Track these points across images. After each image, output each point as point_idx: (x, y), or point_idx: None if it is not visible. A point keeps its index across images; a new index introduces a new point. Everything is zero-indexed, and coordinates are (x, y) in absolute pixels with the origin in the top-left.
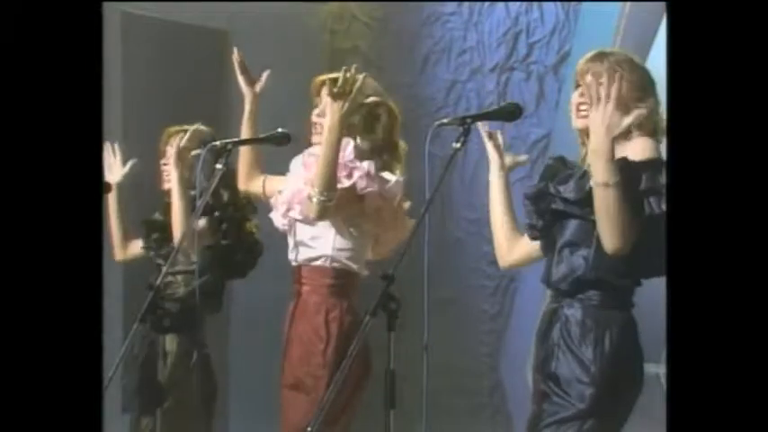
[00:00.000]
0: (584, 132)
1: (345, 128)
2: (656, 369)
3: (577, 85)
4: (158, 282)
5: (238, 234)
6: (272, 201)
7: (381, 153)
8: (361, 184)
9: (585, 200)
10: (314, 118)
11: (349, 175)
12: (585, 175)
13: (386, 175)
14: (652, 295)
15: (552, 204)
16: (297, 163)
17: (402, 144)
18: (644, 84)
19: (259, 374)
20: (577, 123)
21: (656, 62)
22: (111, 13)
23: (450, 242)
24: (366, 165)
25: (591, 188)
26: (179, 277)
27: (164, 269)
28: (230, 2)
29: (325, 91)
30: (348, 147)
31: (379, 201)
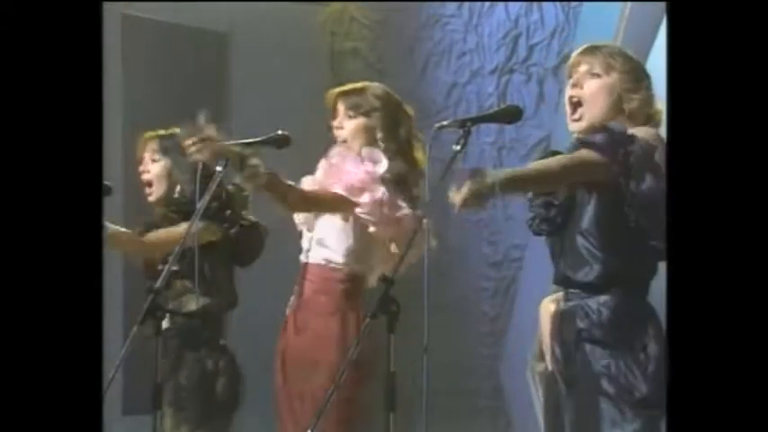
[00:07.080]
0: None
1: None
2: None
3: (570, 77)
4: (158, 284)
5: (240, 221)
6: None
7: (401, 159)
8: (365, 213)
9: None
10: (335, 131)
11: (361, 191)
12: None
13: (398, 208)
14: (652, 294)
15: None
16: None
17: (421, 156)
18: (637, 75)
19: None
20: (572, 126)
21: (657, 62)
22: (111, 15)
23: (450, 244)
24: (380, 193)
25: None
26: (187, 283)
27: (164, 272)
28: (230, 2)
29: (340, 105)
30: (365, 157)
31: (385, 232)
